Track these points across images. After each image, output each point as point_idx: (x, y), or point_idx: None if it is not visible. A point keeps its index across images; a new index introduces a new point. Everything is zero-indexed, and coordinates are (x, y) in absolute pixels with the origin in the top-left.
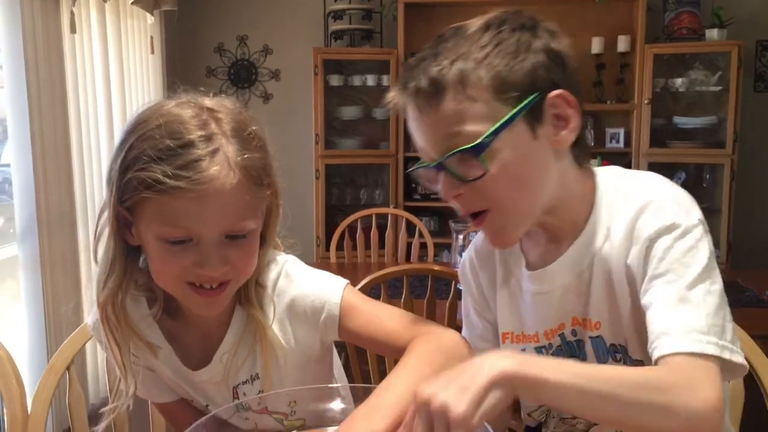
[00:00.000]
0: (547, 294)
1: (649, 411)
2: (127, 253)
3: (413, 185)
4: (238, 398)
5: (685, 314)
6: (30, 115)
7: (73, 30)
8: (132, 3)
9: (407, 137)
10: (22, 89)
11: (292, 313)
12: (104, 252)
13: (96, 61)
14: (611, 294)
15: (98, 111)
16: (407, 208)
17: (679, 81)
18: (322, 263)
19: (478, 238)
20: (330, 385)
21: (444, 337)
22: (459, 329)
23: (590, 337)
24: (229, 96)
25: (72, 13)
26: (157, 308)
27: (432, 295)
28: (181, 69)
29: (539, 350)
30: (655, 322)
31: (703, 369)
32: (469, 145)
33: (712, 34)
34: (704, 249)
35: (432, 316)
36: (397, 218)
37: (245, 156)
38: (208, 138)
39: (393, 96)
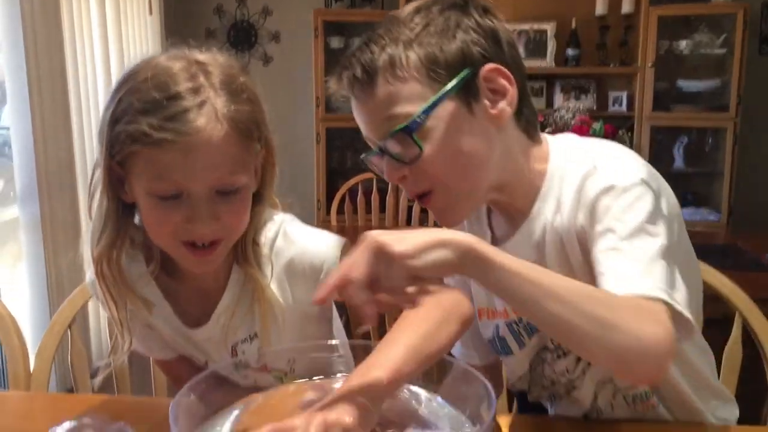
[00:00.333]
0: None
1: (596, 323)
2: (121, 209)
3: None
4: (237, 356)
5: (626, 261)
6: (28, 77)
7: None
8: None
9: None
10: (19, 52)
11: (290, 273)
12: (97, 208)
13: (94, 22)
14: (567, 263)
15: (96, 73)
16: None
17: (683, 43)
18: (322, 227)
19: None
20: (329, 342)
21: (444, 294)
22: None
23: None
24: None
25: None
26: (155, 266)
27: None
28: (179, 31)
29: (509, 325)
30: (598, 276)
31: (651, 307)
32: (401, 126)
33: None
34: (642, 207)
35: None
36: None
37: (233, 108)
38: (196, 90)
39: (332, 87)
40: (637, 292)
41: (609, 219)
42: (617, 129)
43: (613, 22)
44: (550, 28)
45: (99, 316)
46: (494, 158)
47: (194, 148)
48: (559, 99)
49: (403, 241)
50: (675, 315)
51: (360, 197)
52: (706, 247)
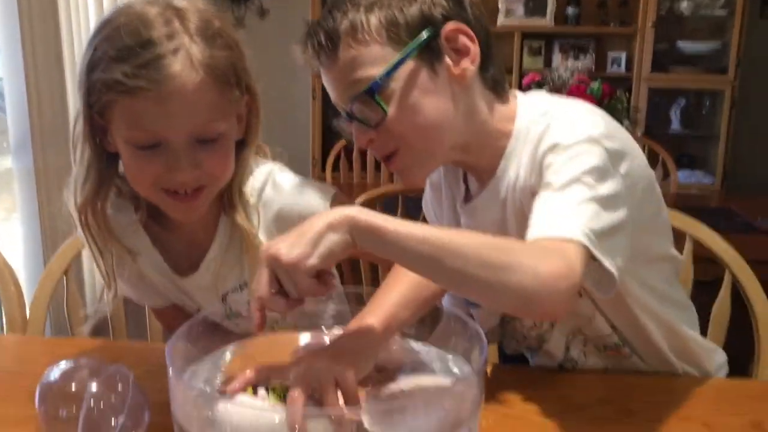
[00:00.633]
0: (479, 229)
1: (493, 269)
2: (105, 159)
3: None
4: (227, 306)
5: (552, 206)
6: (20, 25)
7: None
8: None
9: None
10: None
11: (279, 223)
12: (79, 159)
13: None
14: (526, 223)
15: (90, 20)
16: None
17: (684, 4)
18: None
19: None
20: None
21: None
22: None
23: None
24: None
25: None
26: (141, 214)
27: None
28: None
29: None
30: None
31: (559, 247)
32: (364, 88)
33: None
34: (583, 161)
35: None
36: None
37: (209, 54)
38: (170, 36)
39: (299, 57)
40: (553, 235)
41: (548, 174)
42: (615, 90)
43: None
44: None
45: (94, 269)
46: (458, 118)
47: (169, 96)
48: (557, 58)
49: (295, 243)
50: (599, 268)
51: (356, 154)
52: (700, 210)
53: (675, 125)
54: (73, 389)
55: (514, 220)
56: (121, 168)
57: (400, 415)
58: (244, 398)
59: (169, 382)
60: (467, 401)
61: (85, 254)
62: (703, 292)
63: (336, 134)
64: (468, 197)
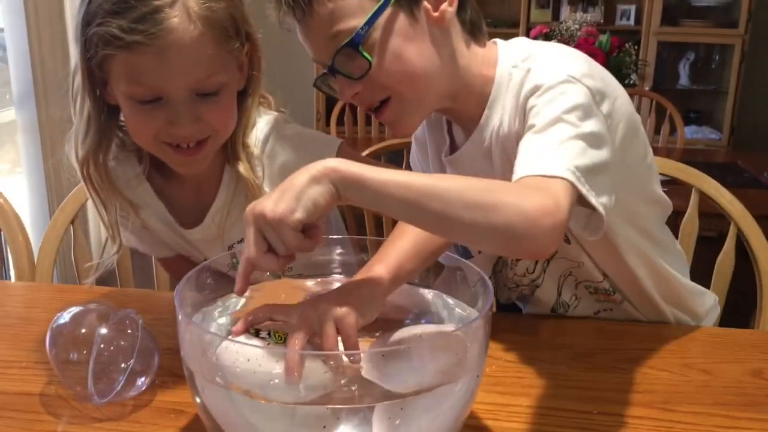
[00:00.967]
0: None
1: (477, 209)
2: (106, 111)
3: None
4: (234, 257)
5: (536, 146)
6: None
7: None
8: None
9: None
10: None
11: (285, 174)
12: (79, 112)
13: None
14: (512, 170)
15: None
16: None
17: None
18: None
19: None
20: (327, 236)
21: None
22: None
23: None
24: None
25: None
26: (145, 166)
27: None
28: None
29: None
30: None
31: (545, 184)
32: (346, 41)
33: None
34: (565, 100)
35: None
36: None
37: (206, 6)
38: None
39: (272, 14)
40: (538, 173)
41: (531, 116)
42: (624, 43)
43: None
44: None
45: (99, 221)
46: (443, 62)
47: (167, 50)
48: (566, 11)
49: (279, 199)
50: (585, 210)
51: (359, 108)
52: (707, 165)
53: (683, 80)
54: (83, 332)
55: (500, 168)
56: (122, 120)
57: (404, 362)
58: (246, 339)
59: (178, 325)
60: (474, 347)
61: (90, 205)
62: (707, 248)
63: None
64: (453, 149)
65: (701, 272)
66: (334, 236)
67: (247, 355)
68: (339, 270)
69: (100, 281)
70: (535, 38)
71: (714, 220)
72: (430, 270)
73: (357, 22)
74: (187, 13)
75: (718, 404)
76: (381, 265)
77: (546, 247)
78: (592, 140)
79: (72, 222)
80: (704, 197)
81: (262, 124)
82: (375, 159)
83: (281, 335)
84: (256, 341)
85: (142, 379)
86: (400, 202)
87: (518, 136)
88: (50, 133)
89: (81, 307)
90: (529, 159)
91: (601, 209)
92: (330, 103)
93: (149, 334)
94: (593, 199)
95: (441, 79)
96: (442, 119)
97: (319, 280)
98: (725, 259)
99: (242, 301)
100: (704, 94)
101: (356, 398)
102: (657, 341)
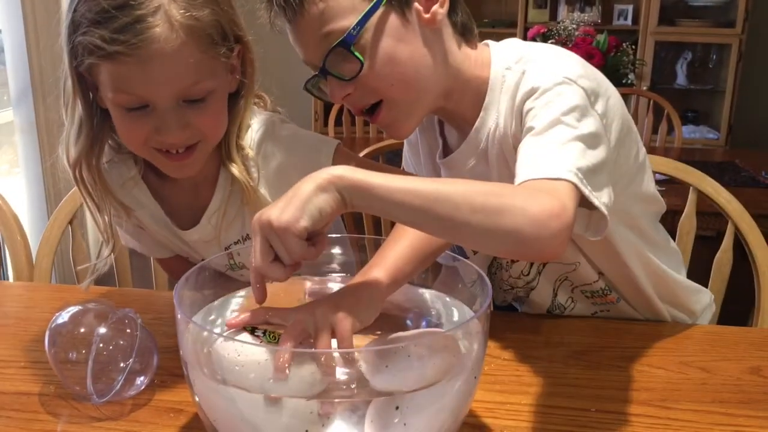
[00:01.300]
0: None
1: (484, 213)
2: (99, 115)
3: None
4: (231, 258)
5: (537, 149)
6: None
7: None
8: None
9: None
10: None
11: (281, 176)
12: (69, 114)
13: None
14: (509, 172)
15: None
16: None
17: None
18: None
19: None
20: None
21: None
22: None
23: None
24: None
25: None
26: (140, 167)
27: None
28: None
29: None
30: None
31: (549, 186)
32: (338, 41)
33: None
34: (562, 102)
35: None
36: None
37: (189, 15)
38: None
39: (263, 15)
40: (541, 176)
41: (529, 119)
42: (621, 43)
43: None
44: None
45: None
46: (436, 63)
47: (150, 60)
48: (563, 11)
49: (285, 208)
50: (587, 210)
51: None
52: (704, 164)
53: (680, 79)
54: (82, 332)
55: (496, 170)
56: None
57: (404, 361)
58: (240, 336)
59: (177, 324)
60: (473, 346)
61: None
62: (705, 247)
63: None
64: (447, 151)
65: (699, 271)
66: (333, 235)
67: (243, 352)
68: (337, 269)
69: (99, 281)
70: (533, 38)
71: (712, 219)
72: (428, 270)
73: (349, 22)
74: (170, 23)
75: (716, 402)
76: (379, 269)
77: (554, 249)
78: (591, 140)
79: (70, 222)
80: (702, 196)
81: (256, 125)
82: (373, 160)
83: (275, 336)
84: (249, 337)
85: (141, 378)
86: (408, 208)
87: (515, 138)
88: (48, 134)
89: (80, 307)
90: (531, 162)
91: (603, 209)
92: (328, 103)
93: (148, 334)
94: (596, 200)
95: (433, 80)
96: (434, 121)
97: (317, 279)
98: (723, 257)
99: (241, 300)
100: (702, 93)
101: (355, 396)
102: (654, 339)
